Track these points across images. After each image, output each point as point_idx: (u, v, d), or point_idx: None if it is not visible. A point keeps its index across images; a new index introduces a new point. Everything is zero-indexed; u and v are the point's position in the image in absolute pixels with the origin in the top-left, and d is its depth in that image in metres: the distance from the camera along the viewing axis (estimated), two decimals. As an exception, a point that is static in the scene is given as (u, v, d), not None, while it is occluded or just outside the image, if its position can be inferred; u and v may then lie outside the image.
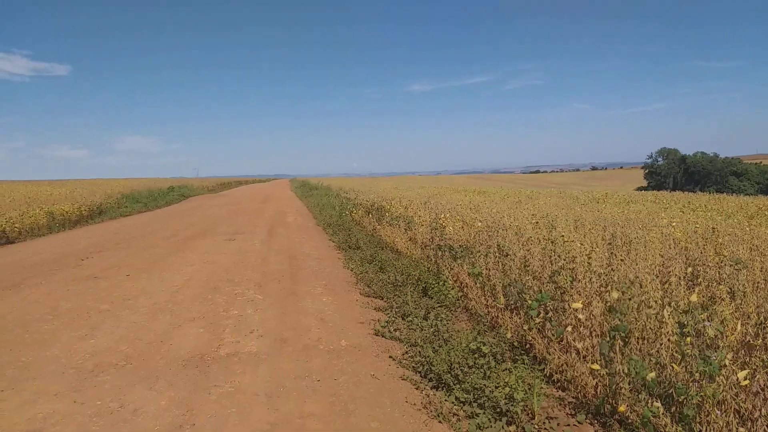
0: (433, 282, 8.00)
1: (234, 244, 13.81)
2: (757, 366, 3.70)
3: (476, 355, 5.07)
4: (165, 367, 5.28)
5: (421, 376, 5.08)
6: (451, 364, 4.92)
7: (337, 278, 9.48)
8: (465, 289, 7.65)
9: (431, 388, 4.78)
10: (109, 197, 28.62)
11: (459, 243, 9.35)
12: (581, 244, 7.70)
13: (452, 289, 7.73)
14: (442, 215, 11.76)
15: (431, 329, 6.09)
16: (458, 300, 7.51)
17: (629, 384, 3.94)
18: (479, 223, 10.72)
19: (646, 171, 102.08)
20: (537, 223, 10.79)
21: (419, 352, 5.52)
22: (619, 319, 4.47)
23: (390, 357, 5.62)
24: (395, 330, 6.42)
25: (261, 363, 5.41)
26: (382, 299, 7.92)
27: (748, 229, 11.11)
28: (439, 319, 6.51)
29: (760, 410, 3.02)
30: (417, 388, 4.81)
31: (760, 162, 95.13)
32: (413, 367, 5.29)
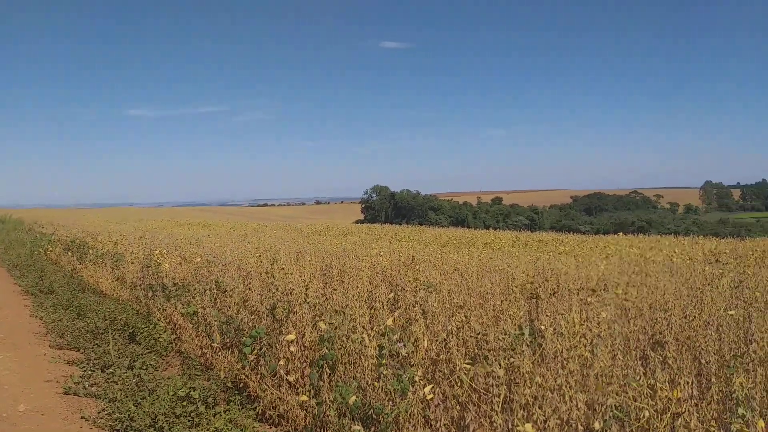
0: (143, 326, 7.29)
1: None
2: (440, 379, 4.18)
3: (185, 402, 4.70)
4: None
5: (119, 434, 4.49)
6: (155, 417, 4.46)
7: (21, 329, 7.99)
8: (179, 331, 7.13)
9: (131, 447, 4.25)
10: None
11: (176, 281, 8.75)
12: (300, 276, 7.90)
13: (164, 331, 7.14)
14: (158, 251, 10.93)
15: (134, 380, 5.47)
16: (171, 343, 6.96)
17: (336, 410, 4.06)
18: (199, 259, 10.24)
19: (363, 205, 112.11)
20: (260, 256, 10.78)
21: (118, 407, 4.89)
22: (327, 348, 4.62)
23: (82, 418, 4.86)
24: (92, 385, 5.61)
25: None
26: (79, 350, 6.90)
27: (440, 255, 12.88)
28: (145, 367, 5.91)
29: (440, 420, 3.38)
30: (113, 450, 4.23)
31: (452, 199, 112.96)
32: (110, 425, 4.65)
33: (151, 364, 6.05)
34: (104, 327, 7.55)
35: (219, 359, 5.83)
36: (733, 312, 5.48)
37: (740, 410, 2.91)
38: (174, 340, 7.05)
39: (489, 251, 15.23)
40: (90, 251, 13.08)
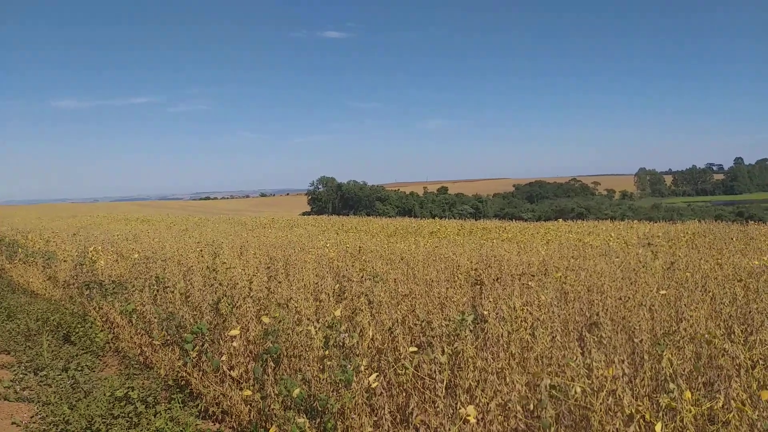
0: (78, 326, 6.99)
1: None
2: (385, 367, 4.19)
3: (123, 403, 4.54)
4: None
5: (53, 440, 4.29)
6: (92, 419, 4.29)
7: (-56, 335, 7.49)
8: (116, 330, 6.87)
9: (66, 453, 4.07)
10: None
11: (113, 278, 8.43)
12: (243, 270, 7.75)
13: (101, 331, 6.87)
14: (93, 248, 10.49)
15: (69, 382, 5.24)
16: (108, 343, 6.71)
17: (281, 404, 4.01)
18: (137, 255, 9.91)
19: (309, 197, 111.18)
20: (201, 251, 10.52)
21: (52, 411, 4.67)
22: (272, 342, 4.55)
23: (13, 423, 4.62)
24: (23, 389, 5.34)
25: None
26: (9, 353, 6.56)
27: (387, 246, 12.94)
28: (81, 368, 5.67)
29: (385, 407, 3.38)
30: (46, 457, 4.04)
31: (399, 189, 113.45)
32: (44, 430, 4.44)
33: (87, 365, 5.81)
34: (36, 328, 7.20)
35: (159, 357, 5.66)
36: (664, 292, 5.74)
37: (670, 385, 3.05)
38: (111, 339, 6.80)
39: (435, 240, 15.43)
40: (20, 250, 12.42)
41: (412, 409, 3.36)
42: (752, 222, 20.56)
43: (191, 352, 5.04)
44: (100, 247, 10.55)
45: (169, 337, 5.85)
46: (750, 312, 4.77)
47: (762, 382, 3.44)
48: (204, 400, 4.67)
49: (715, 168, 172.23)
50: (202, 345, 5.10)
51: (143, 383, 5.08)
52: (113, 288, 7.67)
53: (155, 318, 6.17)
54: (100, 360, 6.27)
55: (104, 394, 4.69)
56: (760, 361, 3.66)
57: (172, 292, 6.88)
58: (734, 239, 13.37)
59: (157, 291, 7.02)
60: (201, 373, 4.92)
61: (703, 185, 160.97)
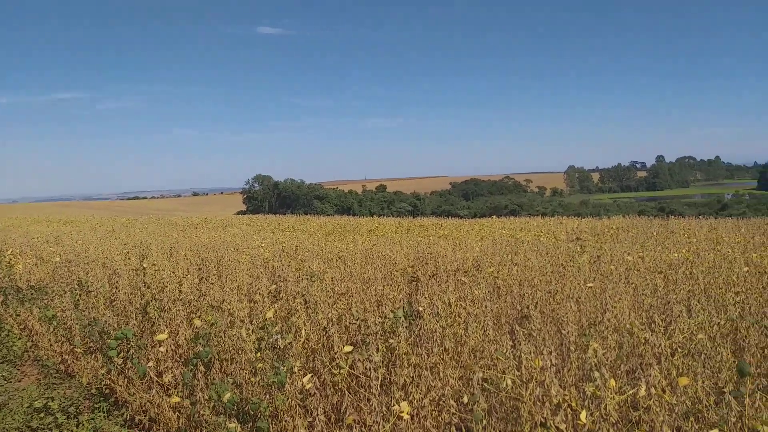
0: (-8, 334, 6.53)
1: None
2: (320, 368, 4.14)
3: (42, 414, 4.28)
4: None
5: (-39, 459, 3.99)
6: (6, 434, 4.01)
7: None
8: (35, 338, 6.47)
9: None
10: None
11: (32, 283, 7.95)
12: (173, 272, 7.48)
13: (18, 339, 6.45)
14: (10, 251, 9.88)
15: (-19, 395, 4.89)
16: (26, 351, 6.30)
17: (211, 409, 3.88)
18: (58, 258, 9.42)
19: (245, 196, 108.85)
20: (128, 253, 10.10)
21: (-40, 428, 4.34)
22: (202, 345, 4.41)
23: None
24: (-72, 405, 4.93)
25: None
26: None
27: (324, 244, 12.84)
28: (-7, 380, 5.30)
29: (319, 408, 3.33)
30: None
31: (337, 187, 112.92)
32: (-50, 449, 4.12)
33: (3, 376, 5.44)
34: (-57, 339, 6.67)
35: (81, 365, 5.37)
36: (591, 285, 5.97)
37: (595, 374, 3.16)
38: (30, 347, 6.40)
39: (373, 238, 15.46)
40: (-75, 255, 11.51)
41: (346, 407, 3.33)
42: (672, 217, 21.85)
43: (116, 359, 4.80)
44: (18, 251, 9.95)
45: (92, 344, 5.57)
46: (669, 302, 5.03)
47: (680, 369, 3.63)
48: (130, 409, 4.46)
49: (638, 166, 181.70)
50: (128, 351, 4.87)
51: (65, 393, 4.82)
52: (32, 293, 7.23)
53: (77, 324, 5.85)
54: (18, 370, 5.89)
55: (21, 406, 4.41)
56: (679, 349, 3.86)
57: (96, 296, 6.56)
58: (655, 233, 14.10)
59: (80, 296, 6.67)
60: (126, 380, 4.70)
61: (627, 182, 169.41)
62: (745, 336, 4.22)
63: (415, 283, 7.13)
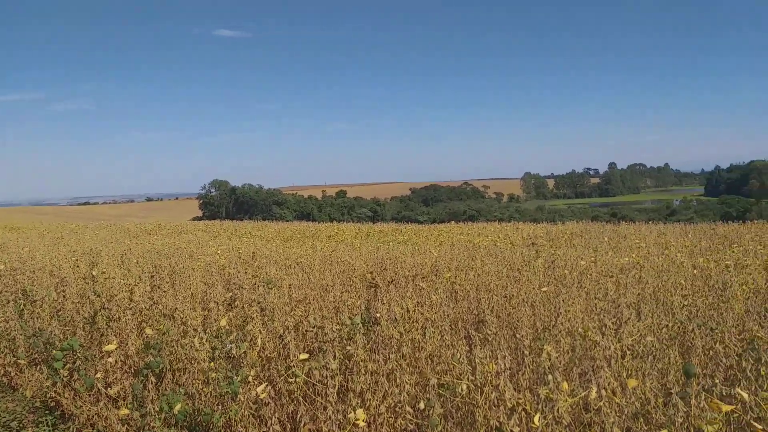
0: (-74, 347, 6.18)
1: None
2: (275, 377, 4.07)
3: (-21, 432, 4.06)
4: None
5: None
6: (-61, 453, 3.79)
7: None
8: (-25, 350, 6.16)
9: None
10: None
11: (-28, 293, 7.57)
12: (124, 280, 7.25)
13: (-44, 352, 6.12)
14: (-52, 260, 9.39)
15: None
16: (-35, 365, 5.99)
17: (162, 421, 3.77)
18: (2, 266, 9.01)
19: (201, 201, 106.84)
20: (77, 260, 9.76)
21: None
22: (153, 355, 4.28)
23: None
24: None
25: None
26: None
27: (282, 251, 12.68)
28: (-72, 396, 5.02)
29: (273, 417, 3.28)
30: None
31: (297, 193, 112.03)
32: None
33: (-63, 392, 5.16)
34: None
35: (25, 377, 5.15)
36: (546, 289, 6.08)
37: (549, 377, 3.20)
38: (-31, 361, 6.09)
39: (333, 244, 15.36)
40: None
41: (301, 416, 3.28)
42: (624, 222, 22.54)
43: (61, 371, 4.61)
44: (-44, 259, 9.46)
45: (36, 356, 5.35)
46: (620, 306, 5.16)
47: (630, 371, 3.72)
48: (77, 422, 4.29)
49: (591, 172, 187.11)
50: (74, 362, 4.69)
51: (7, 407, 4.62)
52: (-29, 304, 6.88)
53: (21, 335, 5.61)
54: (-46, 385, 5.59)
55: (-44, 424, 4.18)
56: (629, 352, 3.96)
57: (41, 306, 6.30)
58: (607, 239, 14.49)
59: (24, 305, 6.40)
60: (73, 392, 4.52)
61: (581, 188, 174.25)
62: (692, 338, 4.36)
63: (373, 289, 7.11)
